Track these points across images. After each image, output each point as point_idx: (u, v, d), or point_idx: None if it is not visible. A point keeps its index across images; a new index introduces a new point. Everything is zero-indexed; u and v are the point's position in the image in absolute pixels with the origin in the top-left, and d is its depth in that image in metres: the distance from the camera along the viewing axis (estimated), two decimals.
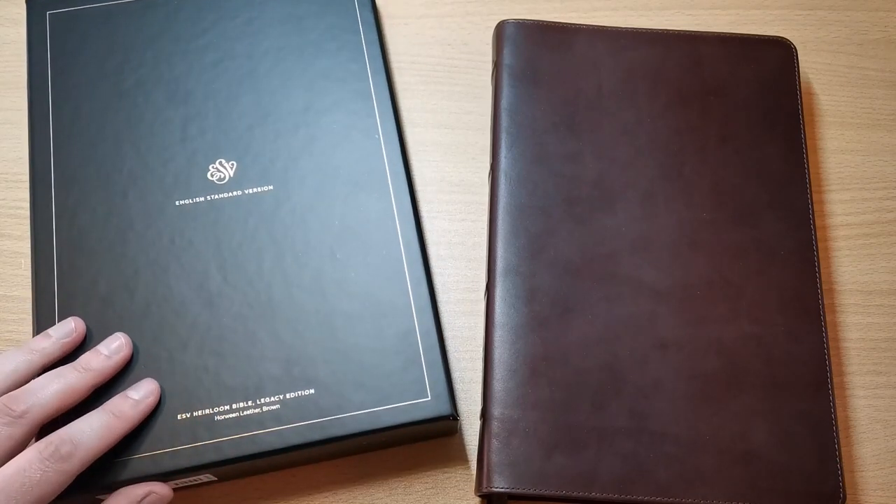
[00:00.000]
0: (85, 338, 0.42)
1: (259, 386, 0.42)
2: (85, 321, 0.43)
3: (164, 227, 0.45)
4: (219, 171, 0.47)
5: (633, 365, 0.44)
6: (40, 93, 0.48)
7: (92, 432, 0.38)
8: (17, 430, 0.37)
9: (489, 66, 0.54)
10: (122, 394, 0.40)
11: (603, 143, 0.49)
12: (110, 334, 0.42)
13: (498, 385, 0.43)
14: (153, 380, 0.41)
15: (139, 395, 0.40)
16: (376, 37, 0.50)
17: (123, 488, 0.39)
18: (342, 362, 0.42)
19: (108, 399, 0.40)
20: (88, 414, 0.39)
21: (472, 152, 0.52)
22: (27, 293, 0.48)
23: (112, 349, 0.41)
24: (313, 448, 0.41)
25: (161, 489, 0.40)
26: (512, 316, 0.45)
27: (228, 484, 0.44)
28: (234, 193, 0.46)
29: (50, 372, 0.39)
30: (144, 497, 0.39)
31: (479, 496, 0.43)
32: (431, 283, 0.45)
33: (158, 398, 0.41)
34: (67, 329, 0.42)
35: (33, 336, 0.42)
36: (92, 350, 0.41)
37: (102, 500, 0.41)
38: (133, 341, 0.42)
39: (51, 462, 0.36)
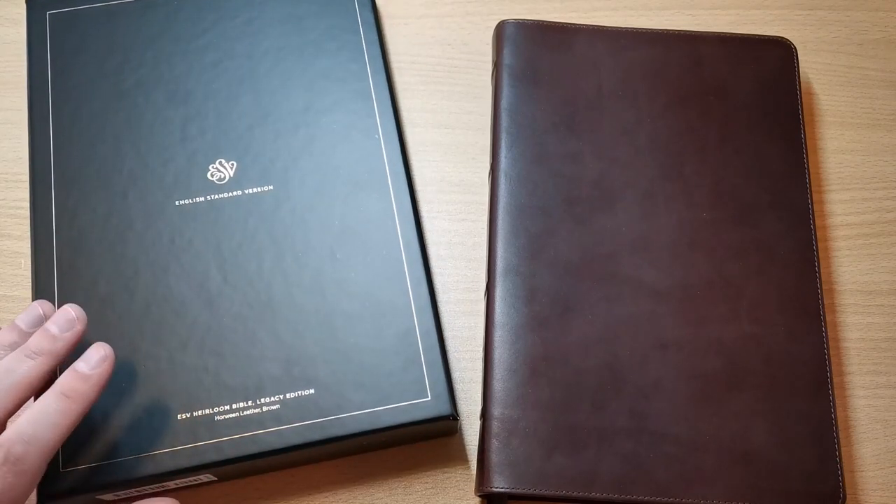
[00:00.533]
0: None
1: (259, 386, 0.42)
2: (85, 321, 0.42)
3: (164, 227, 0.45)
4: (219, 171, 0.47)
5: (633, 365, 0.44)
6: (40, 93, 0.48)
7: (45, 422, 0.35)
8: None
9: (489, 66, 0.54)
10: (71, 368, 0.37)
11: (603, 143, 0.49)
12: (110, 334, 0.42)
13: (498, 385, 0.43)
14: (104, 344, 0.38)
15: (90, 367, 0.37)
16: (376, 37, 0.50)
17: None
18: (342, 362, 0.42)
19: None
20: (39, 400, 0.36)
21: (472, 152, 0.52)
22: (27, 293, 0.48)
23: (62, 326, 0.38)
24: (313, 448, 0.41)
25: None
26: (512, 316, 0.45)
27: (228, 484, 0.44)
28: (234, 193, 0.46)
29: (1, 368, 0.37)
30: None
31: (479, 496, 0.43)
32: (431, 283, 0.45)
33: (113, 363, 0.38)
34: (35, 316, 0.39)
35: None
36: (40, 331, 0.38)
37: (106, 501, 0.41)
38: (134, 342, 0.42)
39: (7, 468, 0.33)
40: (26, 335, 0.39)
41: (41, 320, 0.39)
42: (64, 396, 0.36)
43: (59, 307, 0.42)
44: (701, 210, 0.48)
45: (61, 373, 0.38)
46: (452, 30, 0.56)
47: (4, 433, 0.34)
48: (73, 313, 0.39)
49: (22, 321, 0.39)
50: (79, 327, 0.38)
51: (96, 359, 0.37)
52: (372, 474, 0.44)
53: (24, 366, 0.37)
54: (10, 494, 0.33)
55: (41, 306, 0.40)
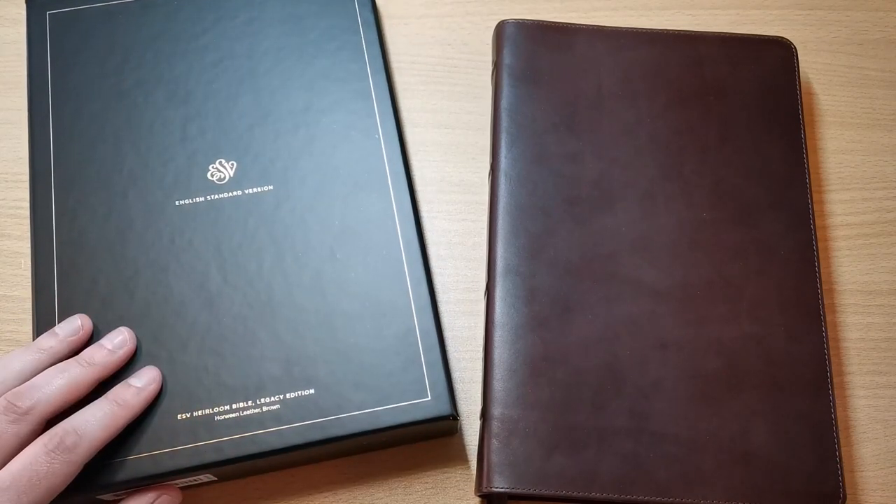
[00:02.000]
0: (91, 335, 0.42)
1: (259, 386, 0.42)
2: (135, 343, 0.43)
3: (164, 227, 0.45)
4: (219, 171, 0.47)
5: (633, 365, 0.44)
6: (40, 93, 0.48)
7: (96, 422, 0.38)
8: (24, 428, 0.37)
9: (489, 66, 0.54)
10: (124, 382, 0.41)
11: (603, 143, 0.49)
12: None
13: (498, 385, 0.43)
14: (154, 367, 0.42)
15: (141, 383, 0.41)
16: (376, 37, 0.50)
17: (132, 496, 0.40)
18: (342, 362, 0.42)
19: (110, 389, 0.40)
20: (92, 404, 0.39)
21: (472, 152, 0.52)
22: (27, 293, 0.48)
23: (116, 343, 0.41)
24: (313, 448, 0.41)
25: (170, 492, 0.41)
26: (512, 316, 0.45)
27: (228, 484, 0.44)
28: (234, 193, 0.46)
29: (54, 367, 0.39)
30: (154, 500, 0.40)
31: (479, 496, 0.43)
32: (431, 283, 0.45)
33: (160, 385, 0.41)
34: (74, 327, 0.42)
35: (34, 336, 0.42)
36: (96, 344, 0.41)
37: (106, 501, 0.41)
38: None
39: (56, 454, 0.36)
40: (63, 342, 0.41)
41: (78, 331, 0.42)
42: (116, 405, 0.39)
43: (59, 307, 0.43)
44: (701, 210, 0.48)
45: (100, 390, 0.41)
46: (452, 30, 0.56)
47: (60, 424, 0.37)
48: (126, 335, 0.42)
49: (61, 329, 0.42)
50: (130, 346, 0.42)
51: (147, 378, 0.41)
52: (372, 474, 0.44)
53: (77, 370, 0.40)
54: (52, 480, 0.36)
55: (80, 319, 0.42)
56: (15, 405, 0.37)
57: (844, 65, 0.56)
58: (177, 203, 0.46)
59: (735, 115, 0.50)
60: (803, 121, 0.50)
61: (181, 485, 0.42)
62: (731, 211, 0.48)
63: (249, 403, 0.41)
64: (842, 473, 0.42)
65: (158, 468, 0.40)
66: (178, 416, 0.41)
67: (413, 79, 0.54)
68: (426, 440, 0.45)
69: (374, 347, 0.43)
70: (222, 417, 0.41)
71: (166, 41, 0.50)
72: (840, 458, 0.42)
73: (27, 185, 0.50)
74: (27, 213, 0.50)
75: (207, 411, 0.41)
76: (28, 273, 0.48)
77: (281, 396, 0.41)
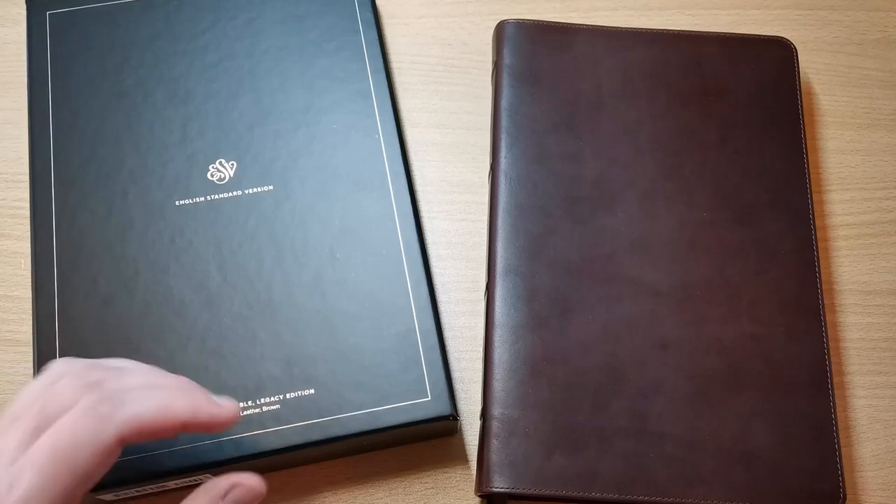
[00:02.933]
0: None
1: (259, 386, 0.42)
2: (85, 321, 0.42)
3: (164, 227, 0.45)
4: (219, 171, 0.47)
5: (633, 365, 0.44)
6: (40, 93, 0.48)
7: (148, 401, 0.32)
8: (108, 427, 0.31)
9: (489, 66, 0.54)
10: (202, 389, 0.36)
11: (603, 143, 0.49)
12: (110, 334, 0.42)
13: (498, 385, 0.43)
14: (238, 404, 0.37)
15: (220, 401, 0.35)
16: (376, 37, 0.50)
17: (203, 487, 0.34)
18: (342, 362, 0.42)
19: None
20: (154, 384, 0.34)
21: (472, 152, 0.52)
22: (27, 293, 0.48)
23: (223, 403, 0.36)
24: (313, 448, 0.41)
25: (249, 481, 0.34)
26: (512, 316, 0.45)
27: None
28: (234, 193, 0.46)
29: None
30: (228, 491, 0.34)
31: (479, 496, 0.43)
32: (431, 283, 0.45)
33: (233, 421, 0.35)
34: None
35: (34, 336, 0.42)
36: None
37: (106, 501, 0.41)
38: (134, 342, 0.42)
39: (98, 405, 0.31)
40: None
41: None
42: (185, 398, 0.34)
43: (59, 307, 0.43)
44: (701, 210, 0.48)
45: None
46: (452, 30, 0.56)
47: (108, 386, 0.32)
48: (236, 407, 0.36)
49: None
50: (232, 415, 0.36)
51: (229, 403, 0.36)
52: (372, 474, 0.44)
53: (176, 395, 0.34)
54: (79, 430, 0.31)
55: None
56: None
57: (844, 65, 0.56)
58: (177, 203, 0.46)
59: (735, 115, 0.50)
60: (803, 121, 0.50)
61: (181, 485, 0.42)
62: (731, 211, 0.48)
63: (249, 403, 0.41)
64: (842, 473, 0.42)
65: (158, 468, 0.40)
66: None
67: (413, 79, 0.54)
68: (426, 440, 0.45)
69: (373, 347, 0.43)
70: None
71: (166, 41, 0.50)
72: (840, 458, 0.42)
73: (27, 185, 0.50)
74: (27, 213, 0.50)
75: None
76: (28, 273, 0.48)
77: (281, 396, 0.41)
